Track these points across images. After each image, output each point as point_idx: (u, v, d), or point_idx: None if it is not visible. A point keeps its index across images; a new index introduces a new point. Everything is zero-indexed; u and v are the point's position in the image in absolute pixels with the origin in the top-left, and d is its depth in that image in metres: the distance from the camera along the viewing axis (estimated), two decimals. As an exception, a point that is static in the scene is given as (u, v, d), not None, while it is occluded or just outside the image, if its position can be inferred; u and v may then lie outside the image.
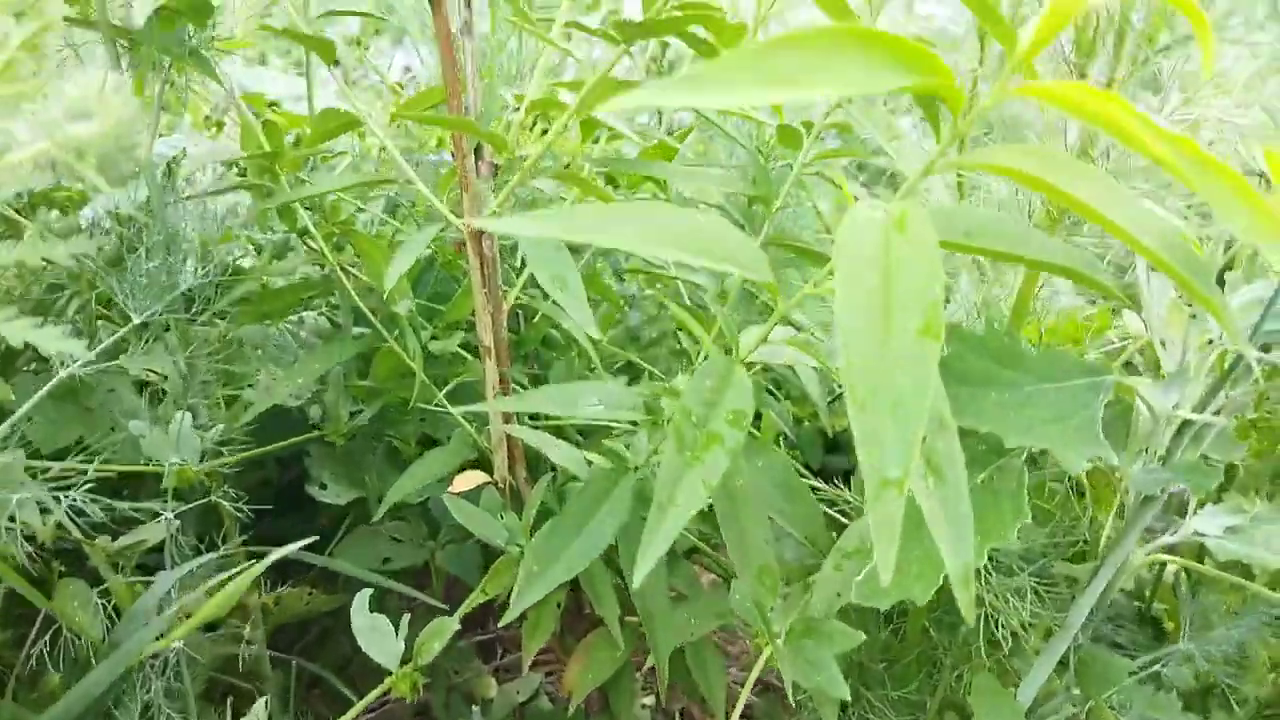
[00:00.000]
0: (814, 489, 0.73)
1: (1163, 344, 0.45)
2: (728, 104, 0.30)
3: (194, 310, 0.71)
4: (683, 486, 0.43)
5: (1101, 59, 0.47)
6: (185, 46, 0.68)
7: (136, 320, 0.62)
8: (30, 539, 0.60)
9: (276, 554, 0.65)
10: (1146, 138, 0.29)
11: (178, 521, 0.67)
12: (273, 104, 1.00)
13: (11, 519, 0.57)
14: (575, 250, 0.77)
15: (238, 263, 0.86)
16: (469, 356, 0.79)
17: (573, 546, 0.58)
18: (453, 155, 0.65)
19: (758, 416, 0.85)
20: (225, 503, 0.67)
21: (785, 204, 0.74)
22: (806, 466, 0.96)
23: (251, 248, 0.91)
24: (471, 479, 0.74)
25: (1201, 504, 0.49)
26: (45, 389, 0.56)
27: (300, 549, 0.72)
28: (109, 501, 0.64)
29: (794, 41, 0.31)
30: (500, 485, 0.75)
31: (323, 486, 0.95)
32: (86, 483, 0.63)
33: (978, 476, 0.43)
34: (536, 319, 0.86)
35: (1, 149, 0.34)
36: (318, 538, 1.01)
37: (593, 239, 0.42)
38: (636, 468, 0.60)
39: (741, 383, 0.47)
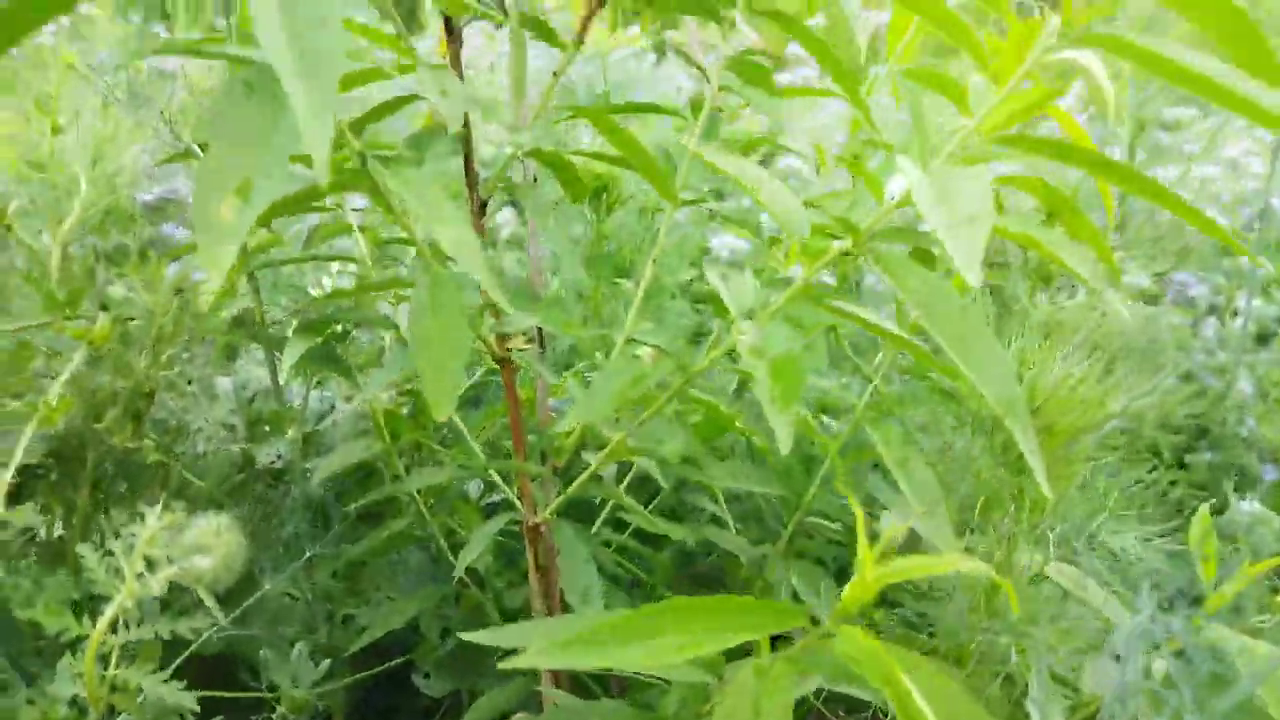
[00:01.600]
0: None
1: None
2: (618, 664, 0.41)
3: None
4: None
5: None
6: (328, 357, 0.87)
7: (267, 587, 0.80)
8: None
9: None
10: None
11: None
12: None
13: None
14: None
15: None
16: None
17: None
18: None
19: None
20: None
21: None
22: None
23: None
24: (524, 721, 0.87)
25: None
26: (192, 647, 0.74)
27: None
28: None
29: (697, 607, 0.43)
30: (548, 730, 0.87)
31: (426, 676, 1.12)
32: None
33: None
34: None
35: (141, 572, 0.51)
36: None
37: (603, 663, 0.56)
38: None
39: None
